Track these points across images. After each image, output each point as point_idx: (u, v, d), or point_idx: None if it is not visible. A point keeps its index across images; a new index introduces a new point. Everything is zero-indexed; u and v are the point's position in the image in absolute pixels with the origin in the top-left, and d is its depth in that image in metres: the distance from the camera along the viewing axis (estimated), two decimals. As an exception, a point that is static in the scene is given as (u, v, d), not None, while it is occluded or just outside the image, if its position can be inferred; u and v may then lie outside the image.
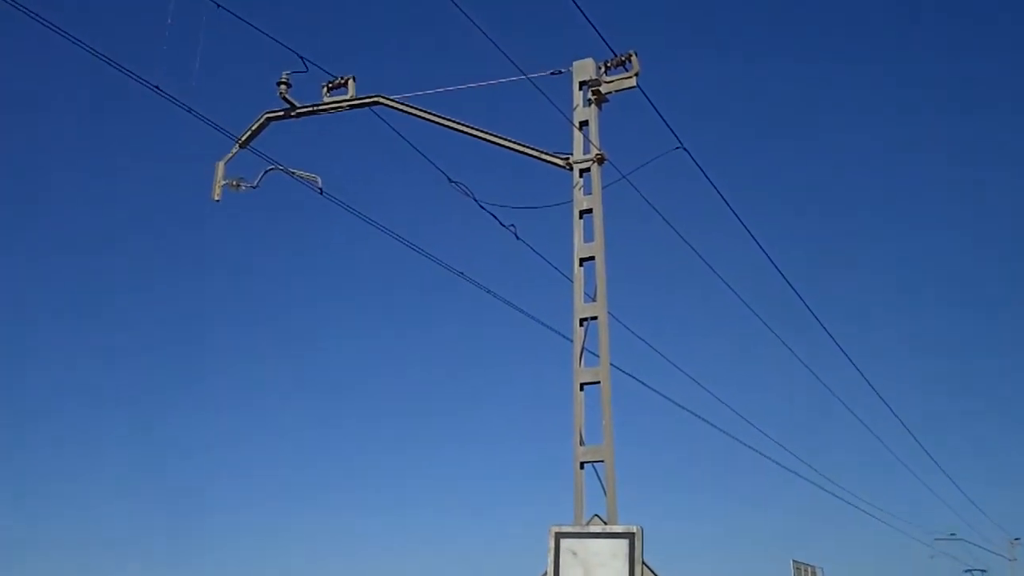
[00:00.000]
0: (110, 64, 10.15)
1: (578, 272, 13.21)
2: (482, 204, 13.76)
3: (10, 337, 50.27)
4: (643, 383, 14.75)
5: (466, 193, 13.75)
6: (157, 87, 10.77)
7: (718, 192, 15.61)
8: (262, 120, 14.93)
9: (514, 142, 13.84)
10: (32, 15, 9.16)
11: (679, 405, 16.71)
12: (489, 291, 14.14)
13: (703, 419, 18.26)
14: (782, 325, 21.31)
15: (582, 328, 12.93)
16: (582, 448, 12.43)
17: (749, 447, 21.27)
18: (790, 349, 21.78)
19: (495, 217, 13.72)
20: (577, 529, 11.71)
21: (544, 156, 13.76)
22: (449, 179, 13.75)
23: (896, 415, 32.49)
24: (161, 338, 53.41)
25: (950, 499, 47.94)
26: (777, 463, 24.10)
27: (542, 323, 14.24)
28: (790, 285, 19.80)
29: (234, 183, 14.43)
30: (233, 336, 55.59)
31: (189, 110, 11.39)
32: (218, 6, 11.22)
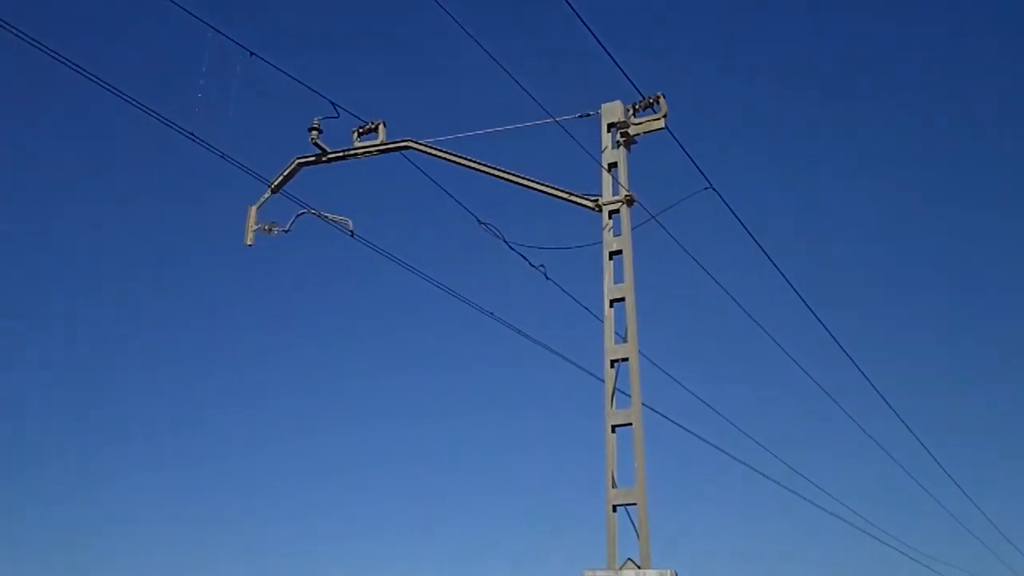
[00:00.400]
0: (146, 111, 10.35)
1: (608, 313, 13.19)
2: (511, 245, 13.84)
3: (51, 376, 50.85)
4: (676, 423, 14.65)
5: (496, 234, 13.84)
6: (192, 134, 10.97)
7: (748, 232, 15.58)
8: (294, 165, 15.12)
9: (543, 184, 13.92)
10: (65, 61, 9.37)
11: (714, 446, 16.58)
12: (520, 331, 14.17)
13: (738, 460, 18.08)
14: (817, 366, 21.08)
15: (613, 369, 12.88)
16: (614, 491, 12.33)
17: (787, 489, 21.00)
18: (826, 392, 21.53)
19: (524, 258, 13.79)
20: (610, 573, 11.59)
21: (573, 198, 13.82)
22: (479, 220, 13.86)
23: (940, 464, 31.92)
24: (193, 377, 53.72)
25: (1001, 551, 46.84)
26: (817, 505, 23.77)
27: (573, 363, 14.22)
28: (824, 327, 19.64)
29: (266, 227, 14.60)
30: (264, 376, 55.81)
31: (223, 156, 11.58)
32: (251, 54, 11.46)
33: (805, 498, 22.81)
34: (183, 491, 47.81)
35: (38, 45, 9.02)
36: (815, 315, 19.15)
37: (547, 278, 13.79)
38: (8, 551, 40.70)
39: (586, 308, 13.62)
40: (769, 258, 16.48)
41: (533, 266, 13.78)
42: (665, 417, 14.11)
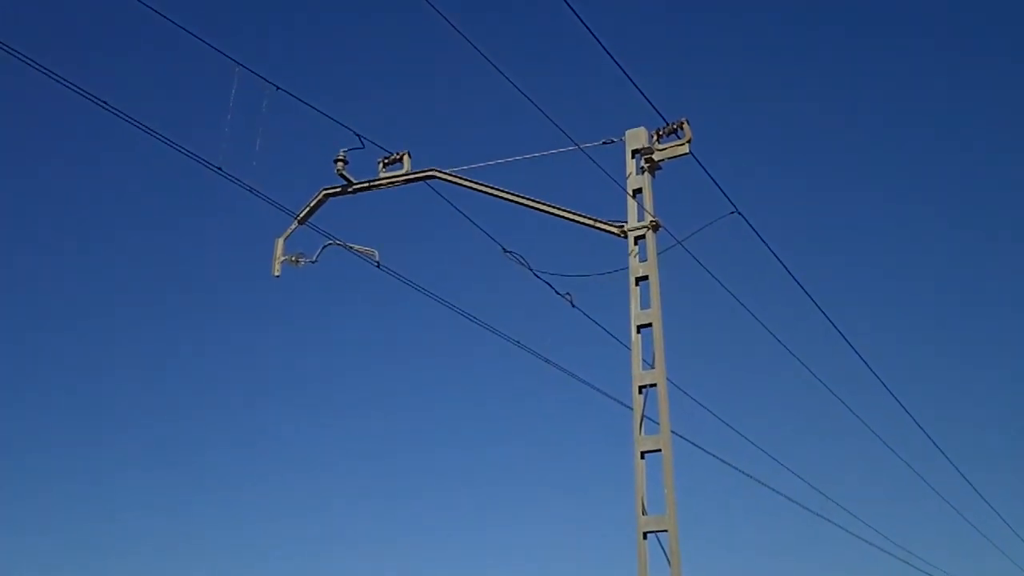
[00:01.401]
0: (173, 146, 10.47)
1: (636, 339, 13.14)
2: (537, 273, 13.84)
3: (83, 401, 51.51)
4: (705, 450, 14.52)
5: (521, 262, 13.84)
6: (219, 168, 11.06)
7: (775, 255, 15.50)
8: (320, 196, 15.23)
9: (568, 211, 13.94)
10: (94, 99, 9.51)
11: (743, 472, 16.40)
12: (546, 359, 14.11)
13: (768, 486, 17.88)
14: (849, 391, 20.82)
15: (641, 396, 12.81)
16: (644, 518, 12.22)
17: (820, 516, 20.72)
18: (859, 418, 21.27)
19: (550, 285, 13.78)
20: (642, 602, 11.45)
21: (598, 224, 13.82)
22: (504, 249, 13.86)
23: (979, 491, 31.36)
24: (220, 406, 54.05)
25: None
26: (851, 533, 23.44)
27: (601, 391, 14.15)
28: (855, 350, 19.46)
29: (293, 259, 14.69)
30: (290, 407, 56.02)
31: (250, 190, 11.67)
32: (277, 88, 11.57)
33: (839, 525, 22.49)
34: (213, 520, 47.96)
35: (67, 83, 9.17)
36: (845, 339, 18.99)
37: (573, 306, 13.77)
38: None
39: (612, 335, 13.59)
40: (797, 282, 16.39)
41: (559, 294, 13.77)
42: (693, 444, 14.00)
